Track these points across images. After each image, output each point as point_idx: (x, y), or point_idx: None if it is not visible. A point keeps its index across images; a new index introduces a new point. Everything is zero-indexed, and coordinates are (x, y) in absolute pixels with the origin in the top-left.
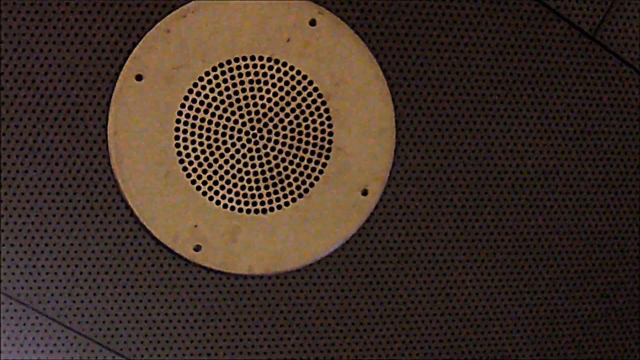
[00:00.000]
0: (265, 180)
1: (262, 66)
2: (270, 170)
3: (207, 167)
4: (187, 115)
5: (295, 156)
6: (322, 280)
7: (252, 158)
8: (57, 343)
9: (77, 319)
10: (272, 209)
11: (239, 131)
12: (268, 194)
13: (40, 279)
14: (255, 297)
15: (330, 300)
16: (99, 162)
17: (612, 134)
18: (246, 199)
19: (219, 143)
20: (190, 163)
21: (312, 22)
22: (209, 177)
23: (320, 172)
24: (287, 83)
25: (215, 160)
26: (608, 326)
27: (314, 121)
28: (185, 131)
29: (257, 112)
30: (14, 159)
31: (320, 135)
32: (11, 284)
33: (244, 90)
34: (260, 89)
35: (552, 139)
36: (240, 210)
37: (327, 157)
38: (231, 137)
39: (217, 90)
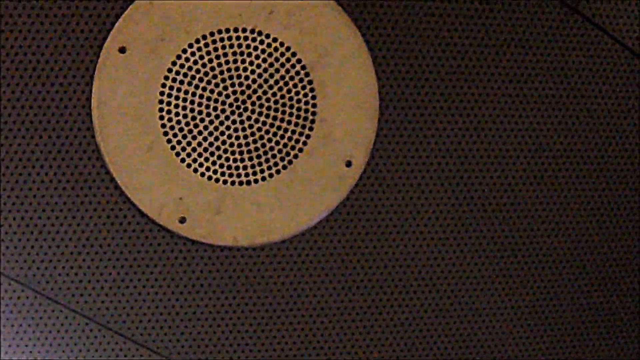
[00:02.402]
0: (249, 152)
1: (246, 38)
2: (255, 141)
3: (191, 139)
4: (171, 88)
5: (279, 128)
6: (307, 251)
7: (236, 130)
8: (42, 316)
9: (62, 292)
10: (256, 181)
11: (223, 103)
12: (252, 166)
13: (25, 253)
14: (240, 269)
15: (315, 271)
16: (84, 136)
17: (597, 108)
18: (230, 171)
19: (203, 115)
20: (175, 135)
21: None
22: (193, 149)
23: (304, 143)
24: (270, 55)
25: (200, 132)
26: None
27: (297, 93)
28: (169, 103)
29: (240, 84)
30: None
31: (304, 107)
32: None
33: (227, 62)
34: (243, 61)
35: (535, 110)
36: (225, 182)
37: (310, 129)
38: (215, 109)
39: (200, 62)
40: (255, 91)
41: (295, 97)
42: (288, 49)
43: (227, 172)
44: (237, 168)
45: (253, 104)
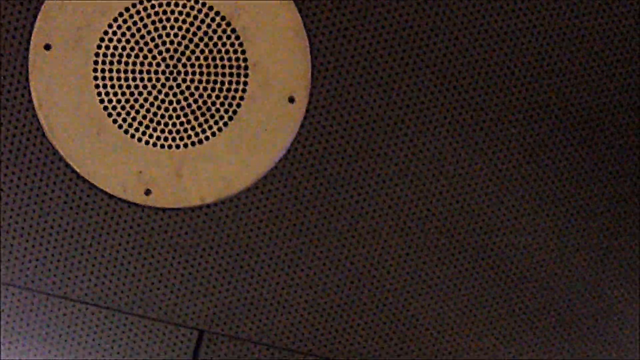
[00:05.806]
0: (193, 112)
1: (160, 4)
2: (196, 101)
3: (135, 115)
4: (103, 70)
5: (215, 82)
6: (274, 192)
7: (175, 95)
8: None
9: (57, 285)
10: (207, 138)
11: (156, 72)
12: (200, 125)
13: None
14: (215, 225)
15: (287, 209)
16: (35, 136)
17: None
18: (180, 135)
19: (140, 88)
20: (119, 114)
21: None
22: (140, 123)
23: (244, 90)
24: (188, 14)
25: (141, 106)
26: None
27: (224, 44)
28: (105, 86)
29: (167, 50)
30: None
31: (234, 56)
32: None
33: (149, 32)
34: (164, 27)
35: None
36: (178, 146)
37: (246, 75)
38: (150, 79)
39: (123, 39)
40: (183, 53)
41: (224, 49)
42: (204, 4)
43: (178, 136)
44: (185, 130)
45: (184, 65)
